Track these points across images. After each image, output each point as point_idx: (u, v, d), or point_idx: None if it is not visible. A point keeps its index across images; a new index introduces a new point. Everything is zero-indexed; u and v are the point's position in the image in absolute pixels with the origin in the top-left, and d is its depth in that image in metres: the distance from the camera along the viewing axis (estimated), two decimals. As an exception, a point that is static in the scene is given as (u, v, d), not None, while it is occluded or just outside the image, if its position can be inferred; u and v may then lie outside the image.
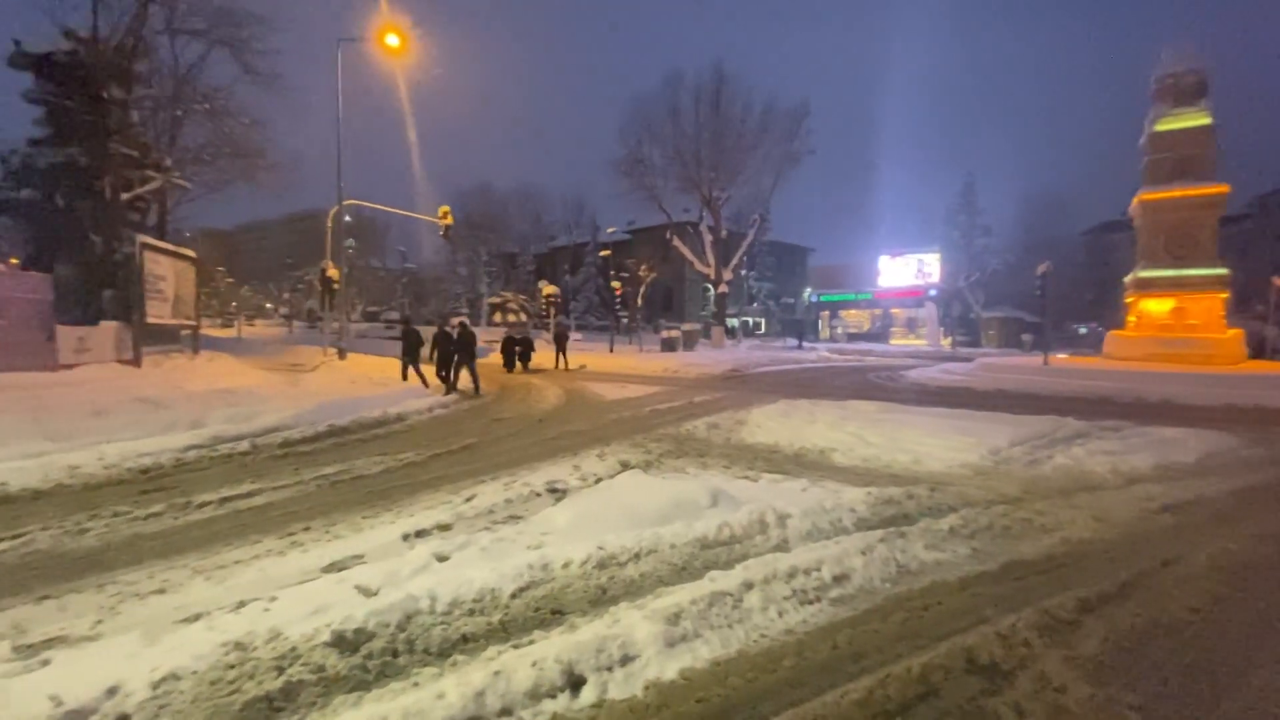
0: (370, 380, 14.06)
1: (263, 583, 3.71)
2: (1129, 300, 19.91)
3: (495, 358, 21.61)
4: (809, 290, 57.09)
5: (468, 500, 5.36)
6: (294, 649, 2.73)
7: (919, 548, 4.23)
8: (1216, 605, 3.54)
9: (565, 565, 3.60)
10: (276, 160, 21.42)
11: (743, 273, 48.74)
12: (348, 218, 37.92)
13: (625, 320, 40.41)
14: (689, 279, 47.60)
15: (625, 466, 6.53)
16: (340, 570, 3.81)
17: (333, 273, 19.14)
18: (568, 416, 10.66)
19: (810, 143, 33.64)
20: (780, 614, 3.26)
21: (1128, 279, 20.09)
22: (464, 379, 13.87)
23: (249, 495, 5.64)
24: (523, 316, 46.00)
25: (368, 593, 3.30)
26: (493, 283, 51.87)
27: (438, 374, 13.66)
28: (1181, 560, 4.13)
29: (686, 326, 34.62)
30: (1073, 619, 3.30)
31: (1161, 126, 18.61)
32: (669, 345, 30.18)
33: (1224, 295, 18.03)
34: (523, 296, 48.18)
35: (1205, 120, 18.10)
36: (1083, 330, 48.28)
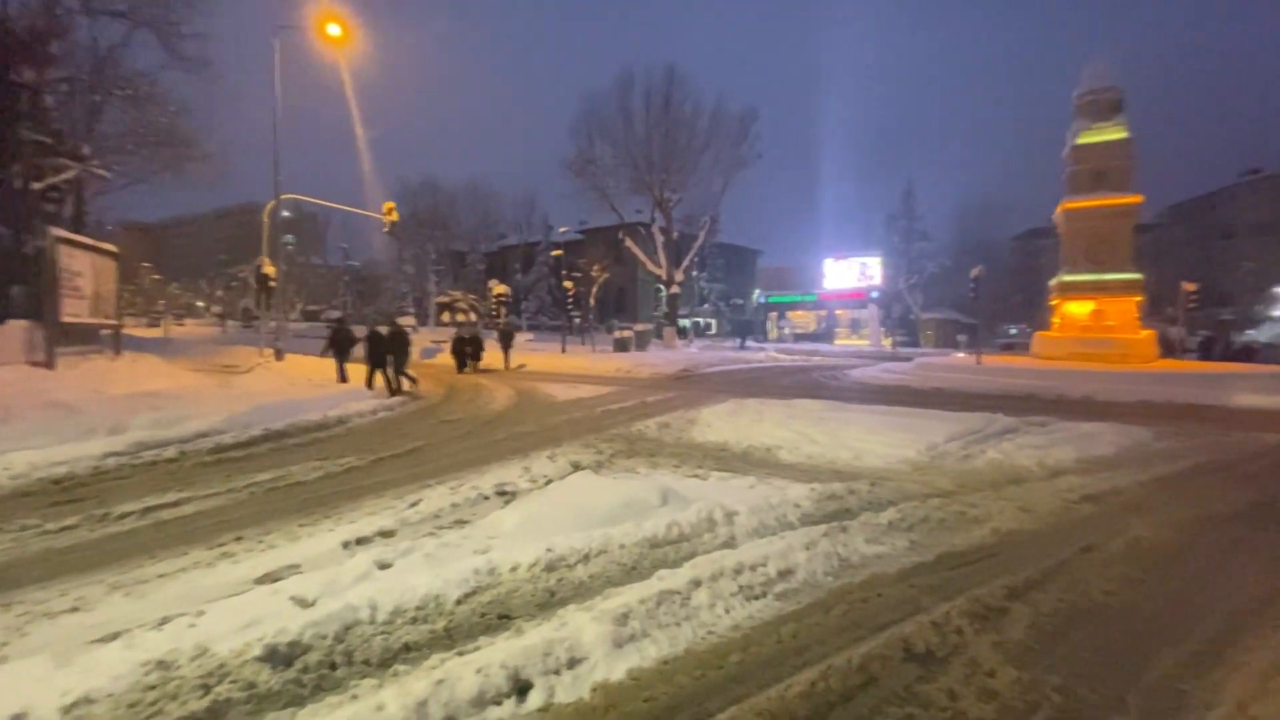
0: (310, 382, 13.51)
1: (189, 597, 3.52)
2: (1053, 303, 21.14)
3: (444, 358, 21.15)
4: (758, 291, 58.19)
5: (412, 505, 5.22)
6: (222, 666, 2.60)
7: (860, 541, 4.37)
8: (1130, 588, 3.79)
9: (513, 569, 3.55)
10: (206, 151, 20.31)
11: (694, 274, 49.24)
12: (286, 212, 36.37)
13: (578, 320, 40.20)
14: (641, 279, 47.74)
15: (576, 467, 6.49)
16: (275, 581, 3.64)
17: (269, 270, 18.30)
18: (518, 417, 10.53)
19: (759, 147, 34.29)
20: (727, 610, 3.30)
21: (1052, 283, 21.33)
22: (405, 384, 13.53)
23: (175, 505, 5.34)
24: (472, 316, 45.16)
25: (304, 603, 3.17)
26: (441, 281, 50.70)
27: (368, 376, 13.28)
28: (1099, 547, 4.40)
29: (639, 327, 34.73)
30: (1001, 606, 3.47)
31: (1082, 140, 19.83)
32: (621, 345, 30.20)
33: (1138, 298, 19.35)
34: (472, 296, 47.31)
35: (1122, 134, 19.38)
36: (1013, 331, 50.91)
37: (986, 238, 49.84)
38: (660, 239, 35.19)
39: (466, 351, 20.30)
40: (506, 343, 22.28)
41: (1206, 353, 25.30)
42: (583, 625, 2.90)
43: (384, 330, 13.63)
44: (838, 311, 51.15)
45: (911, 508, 5.12)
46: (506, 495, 5.50)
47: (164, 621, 3.06)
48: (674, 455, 7.41)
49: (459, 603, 3.23)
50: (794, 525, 4.70)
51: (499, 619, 3.15)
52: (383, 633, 2.93)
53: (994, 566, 4.06)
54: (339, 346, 13.98)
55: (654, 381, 17.81)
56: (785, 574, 3.77)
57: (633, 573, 3.74)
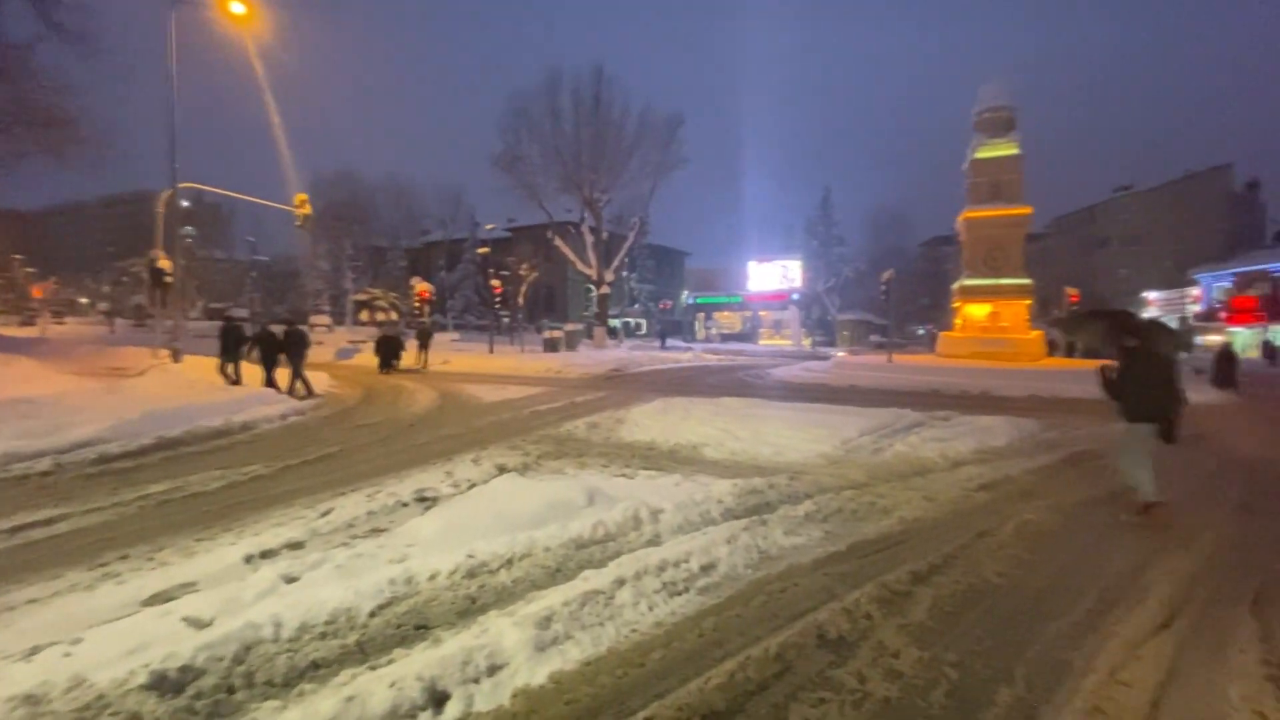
0: (211, 385, 12.56)
1: (64, 623, 3.19)
2: (955, 305, 22.72)
3: (362, 359, 20.24)
4: (686, 292, 59.13)
5: (324, 515, 4.96)
6: (101, 697, 2.38)
7: (778, 533, 4.53)
8: (1019, 569, 4.12)
9: (432, 577, 3.44)
10: (88, 133, 18.43)
11: (624, 274, 49.46)
12: (185, 202, 33.63)
13: (506, 320, 39.45)
14: (571, 279, 47.45)
15: (501, 470, 6.37)
16: (166, 602, 3.36)
17: (164, 263, 16.84)
18: (441, 420, 10.21)
19: (685, 151, 34.81)
20: (651, 608, 3.34)
21: (955, 286, 22.92)
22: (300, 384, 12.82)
23: (49, 522, 4.82)
24: (393, 315, 43.36)
25: (199, 624, 2.95)
26: (359, 278, 48.33)
27: (267, 377, 12.53)
28: (993, 532, 4.77)
29: (569, 327, 34.49)
30: (906, 590, 3.70)
31: (980, 154, 21.41)
32: (551, 345, 29.90)
33: (1029, 302, 21.10)
34: (393, 294, 45.38)
35: (1014, 150, 21.06)
36: (921, 331, 54.23)
37: (897, 243, 52.89)
38: (590, 239, 35.10)
39: (389, 351, 19.60)
40: (424, 342, 21.75)
41: (1087, 351, 27.98)
42: (504, 631, 2.85)
43: (278, 329, 12.87)
44: (761, 313, 52.76)
45: (827, 500, 5.36)
46: (427, 501, 5.32)
47: (34, 652, 2.77)
48: (602, 455, 7.41)
49: (373, 615, 3.10)
50: (717, 521, 4.81)
51: (416, 629, 3.05)
52: (288, 651, 2.77)
53: (900, 553, 4.31)
54: (227, 346, 13.05)
55: (584, 381, 17.73)
56: (708, 568, 3.86)
57: (557, 575, 3.72)
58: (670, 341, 43.20)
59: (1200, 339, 40.77)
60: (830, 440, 7.81)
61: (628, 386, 16.28)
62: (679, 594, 3.53)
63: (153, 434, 7.94)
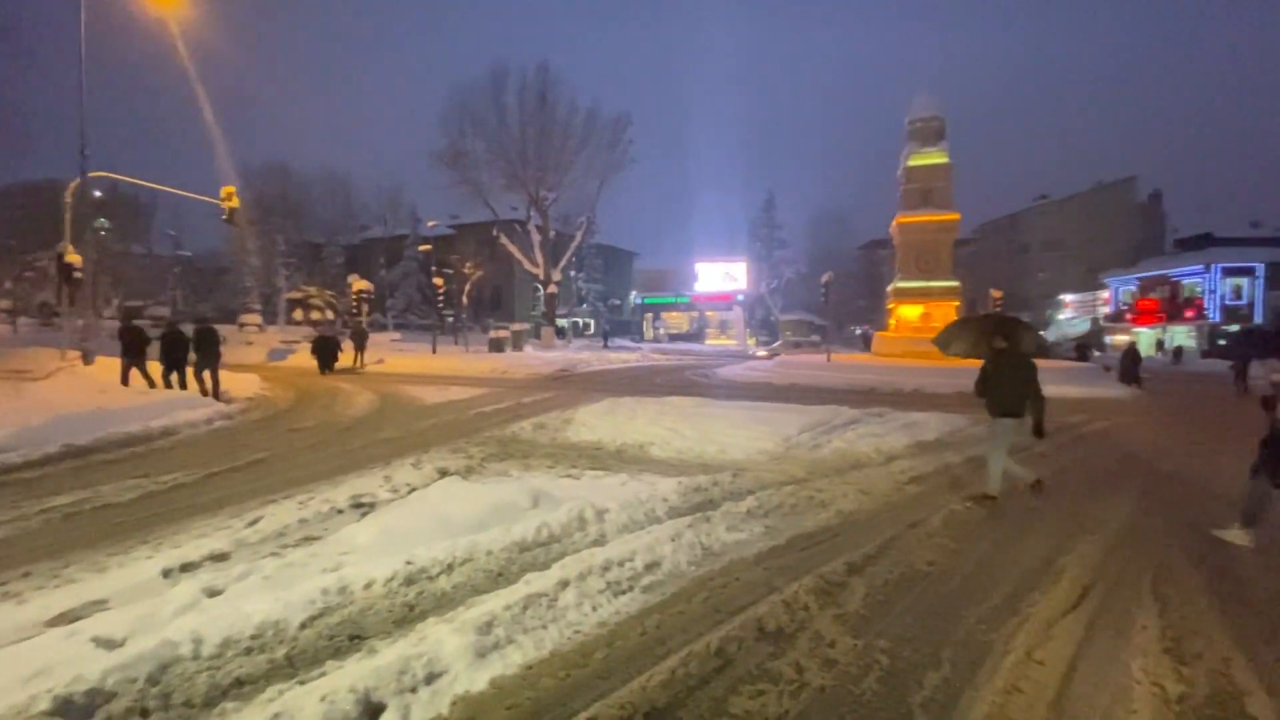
0: (126, 389, 11.75)
1: (-49, 651, 2.92)
2: (890, 306, 23.69)
3: (296, 360, 19.38)
4: (635, 293, 59.30)
5: (252, 524, 4.72)
6: (-6, 729, 2.19)
7: (721, 530, 4.61)
8: (947, 557, 4.33)
9: (367, 585, 3.33)
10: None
11: (571, 274, 49.12)
12: (98, 192, 31.35)
13: (450, 319, 38.52)
14: (518, 278, 46.76)
15: (443, 474, 6.22)
16: (73, 621, 3.13)
17: (73, 258, 15.63)
18: (380, 423, 9.89)
19: (632, 152, 34.88)
20: (594, 608, 3.34)
21: (889, 288, 23.89)
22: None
23: (-66, 541, 4.40)
24: (329, 314, 41.66)
25: (110, 644, 2.76)
26: (292, 276, 46.15)
27: (163, 377, 11.85)
28: (923, 522, 4.99)
29: (515, 326, 34.01)
30: (842, 580, 3.83)
31: (912, 162, 22.40)
32: (497, 345, 29.41)
33: (957, 303, 22.20)
34: (330, 292, 43.58)
35: (944, 159, 22.12)
36: (859, 331, 56.24)
37: (836, 246, 54.55)
38: (537, 237, 34.72)
39: (327, 352, 18.97)
40: (360, 343, 21.21)
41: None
42: (443, 638, 2.79)
43: (186, 328, 12.19)
44: (708, 313, 53.51)
45: (768, 495, 5.49)
46: (364, 507, 5.14)
47: (-87, 684, 2.52)
48: (548, 456, 7.35)
49: (303, 627, 2.97)
50: (662, 519, 4.85)
51: (350, 640, 2.94)
52: (209, 668, 2.62)
53: (837, 545, 4.46)
54: (129, 347, 12.22)
55: (531, 382, 17.53)
56: (652, 567, 3.89)
57: (499, 579, 3.66)
58: (618, 341, 43.26)
59: (1109, 339, 43.93)
60: (772, 437, 8.00)
61: (575, 387, 16.19)
62: (623, 593, 3.54)
63: (60, 441, 7.38)
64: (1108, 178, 53.96)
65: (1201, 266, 40.59)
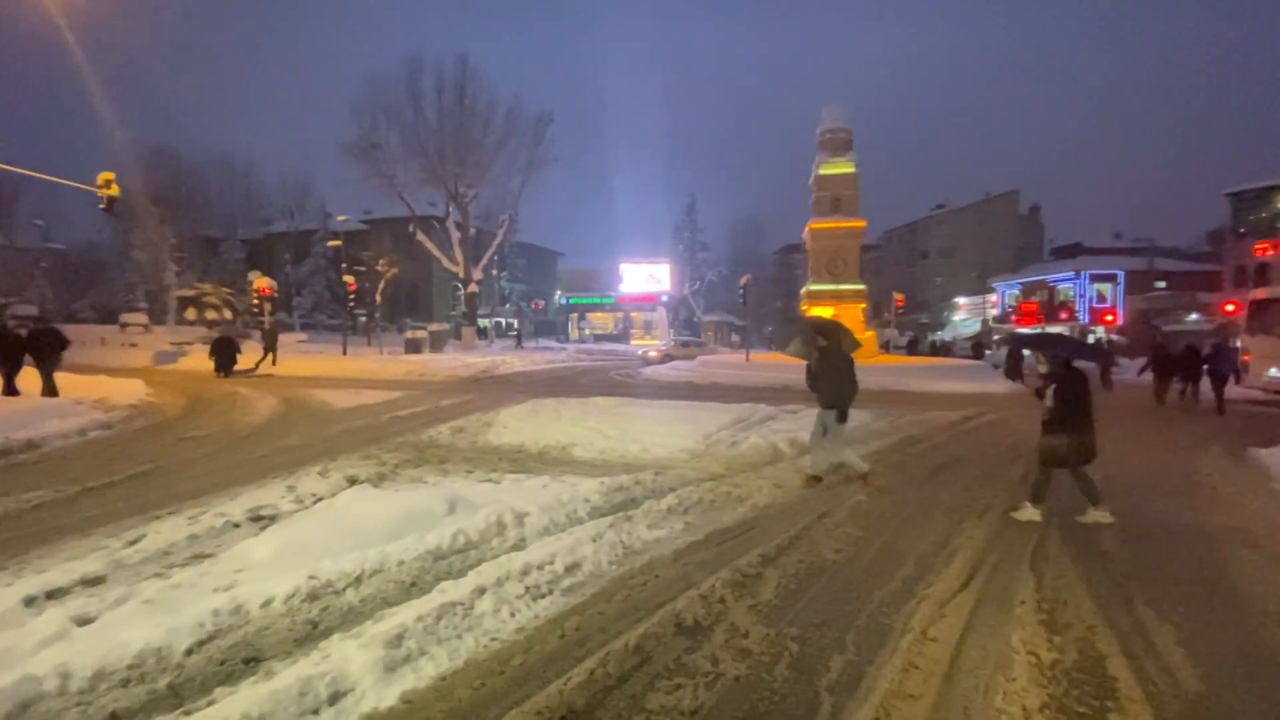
0: (-20, 397, 10.43)
1: None
2: (804, 307, 24.76)
3: (189, 364, 17.87)
4: (560, 292, 58.78)
5: (132, 543, 4.30)
6: None
7: (643, 528, 4.66)
8: (852, 545, 4.58)
9: (265, 604, 3.12)
10: None
11: (494, 273, 48.03)
12: (-62, 175, 27.72)
13: (363, 319, 36.68)
14: (437, 276, 45.18)
15: (353, 482, 5.92)
16: (-95, 664, 2.74)
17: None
18: (284, 430, 9.29)
19: (554, 150, 34.53)
20: (513, 614, 3.29)
21: (803, 291, 24.97)
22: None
23: None
24: (227, 313, 38.64)
25: (-48, 687, 2.43)
26: (184, 272, 42.39)
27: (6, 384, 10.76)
28: (831, 513, 5.25)
29: (434, 327, 32.86)
30: (756, 572, 3.97)
31: (823, 171, 23.52)
32: (414, 347, 28.30)
33: (864, 305, 23.52)
34: (227, 290, 40.40)
35: (851, 169, 23.36)
36: (770, 330, 58.38)
37: (754, 250, 56.48)
38: (456, 235, 33.68)
39: (226, 354, 18.16)
40: (271, 342, 20.02)
41: (911, 349, 31.89)
42: (349, 654, 2.65)
43: (21, 329, 11.09)
44: (633, 314, 53.84)
45: (688, 492, 5.60)
46: (263, 520, 4.81)
47: None
48: (467, 461, 7.16)
49: (190, 652, 2.75)
50: (584, 520, 4.84)
51: (244, 663, 2.74)
52: (78, 705, 2.38)
53: (753, 538, 4.61)
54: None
55: (450, 384, 17.01)
56: (572, 568, 3.87)
57: (412, 589, 3.54)
58: (543, 341, 42.70)
59: (997, 337, 47.86)
60: (693, 435, 8.16)
61: (497, 388, 15.87)
62: (542, 597, 3.51)
63: (-110, 459, 6.45)
64: (995, 190, 58.76)
65: (1073, 273, 45.00)
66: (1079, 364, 5.37)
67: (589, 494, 5.35)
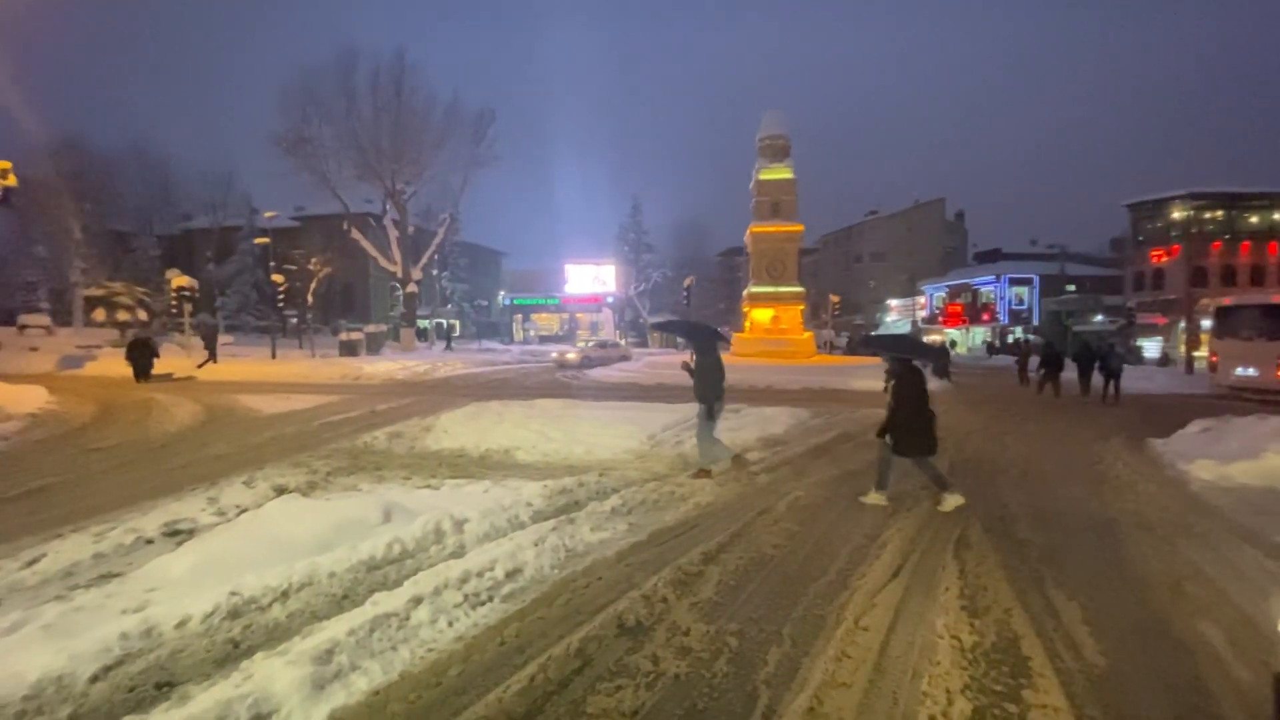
0: None
1: None
2: (745, 309, 25.35)
3: (99, 368, 16.59)
4: (503, 293, 57.86)
5: (29, 564, 3.95)
6: None
7: (586, 530, 4.64)
8: (790, 540, 4.70)
9: (180, 624, 2.93)
10: None
11: (434, 272, 46.78)
12: None
13: (294, 321, 35.00)
14: (374, 276, 43.62)
15: (280, 491, 5.64)
16: None
17: None
18: (206, 438, 8.77)
19: (497, 149, 33.92)
20: (450, 623, 3.21)
21: (745, 293, 25.53)
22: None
23: None
24: (141, 314, 36.07)
25: None
26: (93, 269, 39.28)
27: None
28: (770, 509, 5.38)
29: (370, 328, 31.71)
30: (698, 570, 4.02)
31: (762, 176, 24.13)
32: (349, 349, 27.22)
33: (803, 307, 24.28)
34: (142, 289, 37.71)
35: (789, 175, 24.06)
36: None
37: (699, 252, 57.21)
38: (394, 233, 32.60)
39: (144, 358, 17.11)
40: (210, 343, 19.53)
41: (848, 349, 33.19)
42: (274, 673, 2.52)
43: None
44: (578, 315, 53.59)
45: (632, 493, 5.62)
46: (181, 535, 4.52)
47: None
48: (404, 467, 6.95)
49: (95, 679, 2.55)
50: (526, 524, 4.78)
51: (157, 689, 2.57)
52: (-39, 745, 2.17)
53: (695, 536, 4.67)
54: None
55: (388, 388, 16.47)
56: (513, 574, 3.81)
57: (344, 602, 3.40)
58: (486, 343, 41.88)
59: (927, 338, 50.25)
60: (638, 436, 8.19)
61: (438, 391, 15.47)
62: (482, 604, 3.44)
63: None
64: (924, 197, 61.74)
65: (994, 277, 47.81)
66: (918, 363, 5.99)
67: (532, 498, 5.29)
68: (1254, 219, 37.43)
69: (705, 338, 7.11)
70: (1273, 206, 37.26)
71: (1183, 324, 30.91)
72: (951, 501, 5.52)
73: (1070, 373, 16.92)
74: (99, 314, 36.06)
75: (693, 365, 6.85)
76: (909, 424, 5.64)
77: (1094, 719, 2.55)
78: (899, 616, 3.47)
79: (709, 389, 6.68)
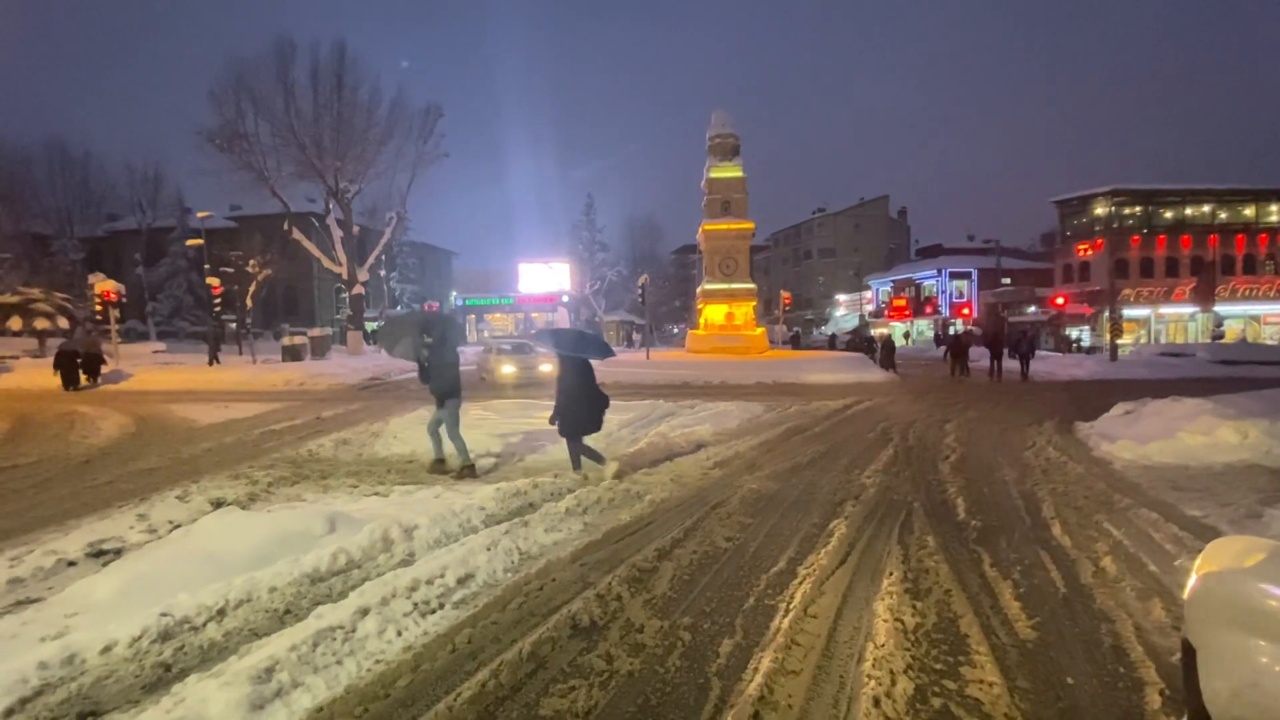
0: None
1: None
2: (700, 306, 25.62)
3: (11, 379, 15.43)
4: (455, 294, 56.70)
5: (-67, 594, 3.67)
6: None
7: (539, 532, 4.61)
8: (743, 532, 4.78)
9: (106, 649, 2.77)
10: None
11: (382, 273, 45.46)
12: None
13: (233, 326, 33.44)
14: (318, 278, 42.11)
15: (217, 504, 5.39)
16: None
17: None
18: (135, 451, 8.30)
19: (444, 146, 33.11)
20: (400, 632, 3.13)
21: (698, 290, 25.79)
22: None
23: None
24: (62, 321, 33.82)
25: None
26: (7, 274, 36.60)
27: None
28: (724, 503, 5.46)
29: (315, 332, 30.62)
30: (652, 567, 4.04)
31: (713, 174, 24.41)
32: (293, 354, 26.20)
33: (754, 304, 24.69)
34: (62, 295, 35.37)
35: (739, 173, 24.41)
36: (675, 330, 59.74)
37: (653, 250, 57.43)
38: (338, 233, 31.42)
39: (72, 367, 16.63)
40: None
41: (797, 344, 33.92)
42: (208, 696, 2.41)
43: None
44: (533, 314, 53.00)
45: (586, 492, 5.60)
46: (106, 555, 4.27)
47: None
48: (352, 475, 6.74)
49: (10, 714, 2.38)
50: (478, 529, 4.71)
51: (80, 719, 2.42)
52: None
53: (650, 534, 4.70)
54: None
55: (334, 393, 15.93)
56: (465, 580, 3.75)
57: (286, 617, 3.28)
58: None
59: (872, 331, 51.90)
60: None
61: (388, 396, 15.07)
62: (432, 612, 3.37)
63: None
64: (869, 194, 63.55)
65: (935, 271, 49.65)
66: (579, 354, 6.54)
67: (484, 501, 5.21)
68: (1169, 214, 40.01)
69: (446, 327, 7.08)
70: (1185, 202, 39.92)
71: (1107, 313, 32.89)
72: (610, 469, 6.23)
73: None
74: (15, 322, 33.60)
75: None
76: (570, 409, 6.30)
77: (1024, 690, 2.69)
78: (846, 602, 3.58)
79: (453, 378, 6.69)
